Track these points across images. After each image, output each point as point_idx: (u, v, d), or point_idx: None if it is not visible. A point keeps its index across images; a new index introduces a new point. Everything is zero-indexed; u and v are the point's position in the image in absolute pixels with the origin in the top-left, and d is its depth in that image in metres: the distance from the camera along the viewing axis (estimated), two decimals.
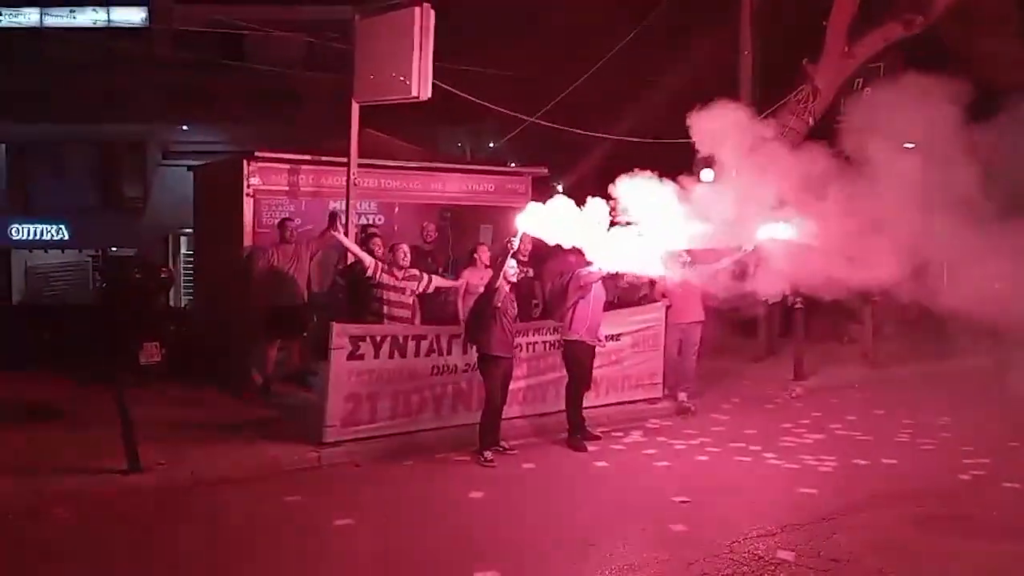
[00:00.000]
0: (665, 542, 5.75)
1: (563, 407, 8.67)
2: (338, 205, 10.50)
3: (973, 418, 9.35)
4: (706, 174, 8.53)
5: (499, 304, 7.81)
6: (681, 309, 9.80)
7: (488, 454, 7.79)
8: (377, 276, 8.63)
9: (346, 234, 9.29)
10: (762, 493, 6.98)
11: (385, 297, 8.63)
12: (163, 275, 11.36)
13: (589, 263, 8.18)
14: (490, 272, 8.25)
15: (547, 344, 9.02)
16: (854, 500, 6.61)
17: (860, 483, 7.20)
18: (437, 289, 9.21)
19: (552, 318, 8.95)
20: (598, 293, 8.52)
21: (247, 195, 10.18)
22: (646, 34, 14.45)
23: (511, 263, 8.05)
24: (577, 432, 8.44)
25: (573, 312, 8.43)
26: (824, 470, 7.60)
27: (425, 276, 8.94)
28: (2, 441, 7.66)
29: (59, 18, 21.21)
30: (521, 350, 8.64)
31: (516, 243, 8.04)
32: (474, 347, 8.06)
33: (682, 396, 9.90)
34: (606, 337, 9.54)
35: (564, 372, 8.66)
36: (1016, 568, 5.51)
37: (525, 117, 13.27)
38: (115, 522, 6.14)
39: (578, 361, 8.53)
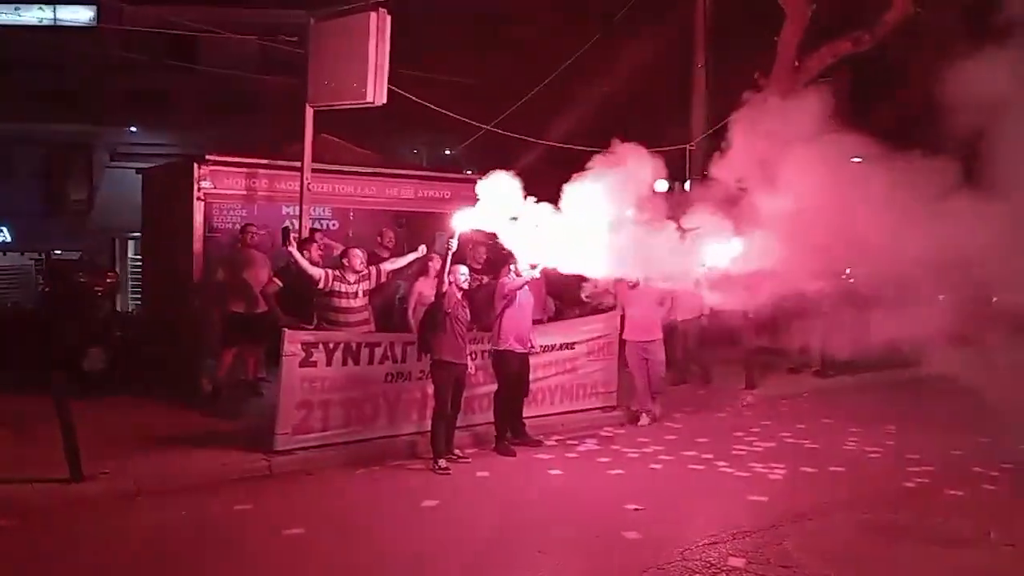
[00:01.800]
0: (618, 549, 5.77)
1: (524, 415, 8.69)
2: (291, 210, 10.38)
3: (918, 426, 9.56)
4: (660, 184, 8.65)
5: (449, 310, 7.80)
6: (640, 327, 9.66)
7: (442, 462, 7.73)
8: (328, 285, 8.47)
9: (287, 236, 9.11)
10: (713, 500, 7.05)
11: (338, 304, 8.51)
12: (109, 279, 11.13)
13: (515, 271, 8.31)
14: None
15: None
16: (803, 507, 6.71)
17: (809, 490, 7.31)
18: (389, 277, 9.11)
19: (481, 327, 8.80)
20: (524, 300, 8.53)
21: (197, 199, 10.02)
22: (603, 43, 14.57)
23: (462, 269, 8.05)
24: (503, 439, 8.44)
25: (500, 321, 8.44)
26: (774, 478, 7.70)
27: (372, 270, 8.77)
28: None
29: (3, 15, 20.66)
30: (477, 358, 8.61)
31: (454, 245, 7.93)
32: (427, 354, 8.02)
33: (644, 420, 9.64)
34: (560, 346, 9.60)
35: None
36: (960, 575, 5.64)
37: (481, 124, 13.27)
38: (57, 532, 5.96)
39: (508, 370, 8.53)
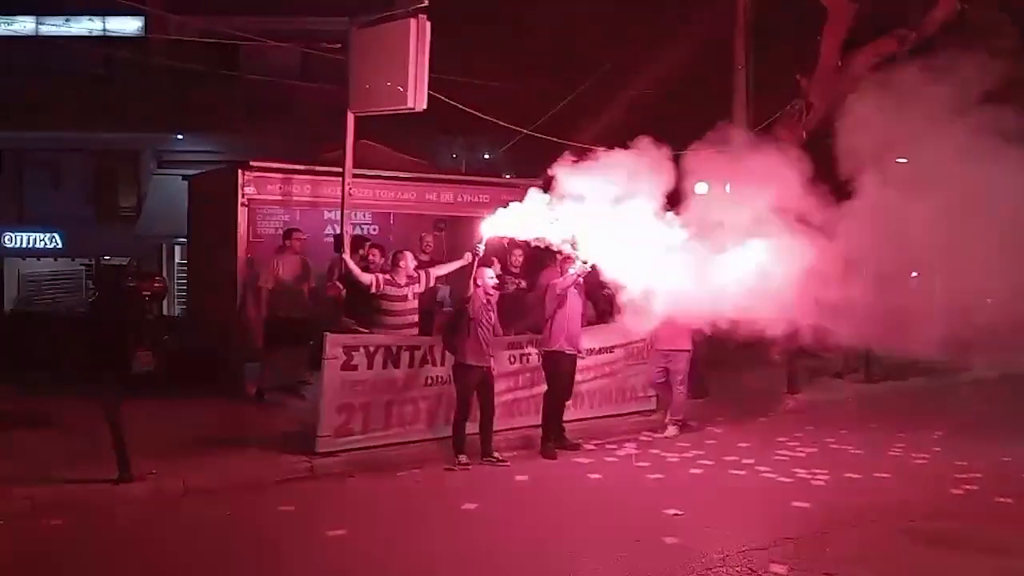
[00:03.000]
0: (658, 555, 5.73)
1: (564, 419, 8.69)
2: (332, 215, 10.51)
3: (967, 432, 9.36)
4: (700, 187, 8.56)
5: (473, 315, 7.85)
6: (665, 335, 9.29)
7: (463, 457, 7.86)
8: (380, 289, 8.56)
9: (341, 243, 9.27)
10: (755, 506, 6.98)
11: (389, 308, 8.57)
12: (156, 284, 11.31)
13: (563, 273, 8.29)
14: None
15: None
16: (847, 514, 6.61)
17: (853, 497, 7.20)
18: (437, 281, 9.22)
19: (531, 330, 8.86)
20: (574, 302, 8.52)
21: (242, 204, 10.21)
22: (643, 45, 14.51)
23: (488, 272, 8.09)
24: (550, 441, 8.45)
25: (552, 322, 8.45)
26: (817, 483, 7.61)
27: (422, 273, 8.87)
28: None
29: (55, 27, 21.20)
30: (516, 361, 8.66)
31: (482, 249, 8.01)
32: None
33: (671, 431, 9.38)
34: (600, 349, 9.57)
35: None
36: None
37: (519, 128, 13.30)
38: (106, 530, 6.11)
39: (559, 372, 8.53)
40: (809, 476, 7.79)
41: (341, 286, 9.18)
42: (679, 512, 6.62)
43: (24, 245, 22.58)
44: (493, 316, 8.12)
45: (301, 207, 10.91)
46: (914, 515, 6.68)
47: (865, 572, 5.45)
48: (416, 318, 8.82)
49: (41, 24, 21.21)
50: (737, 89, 13.71)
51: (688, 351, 9.46)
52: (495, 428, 8.21)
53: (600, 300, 9.96)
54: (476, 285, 7.99)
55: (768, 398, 11.35)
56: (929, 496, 7.27)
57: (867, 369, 12.43)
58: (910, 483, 7.69)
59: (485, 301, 8.04)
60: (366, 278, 8.61)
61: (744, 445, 8.89)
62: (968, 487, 7.48)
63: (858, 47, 13.48)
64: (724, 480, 7.76)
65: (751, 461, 8.26)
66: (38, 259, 22.90)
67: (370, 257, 9.37)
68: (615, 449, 8.77)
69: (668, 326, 9.15)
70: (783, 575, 5.35)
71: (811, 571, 5.42)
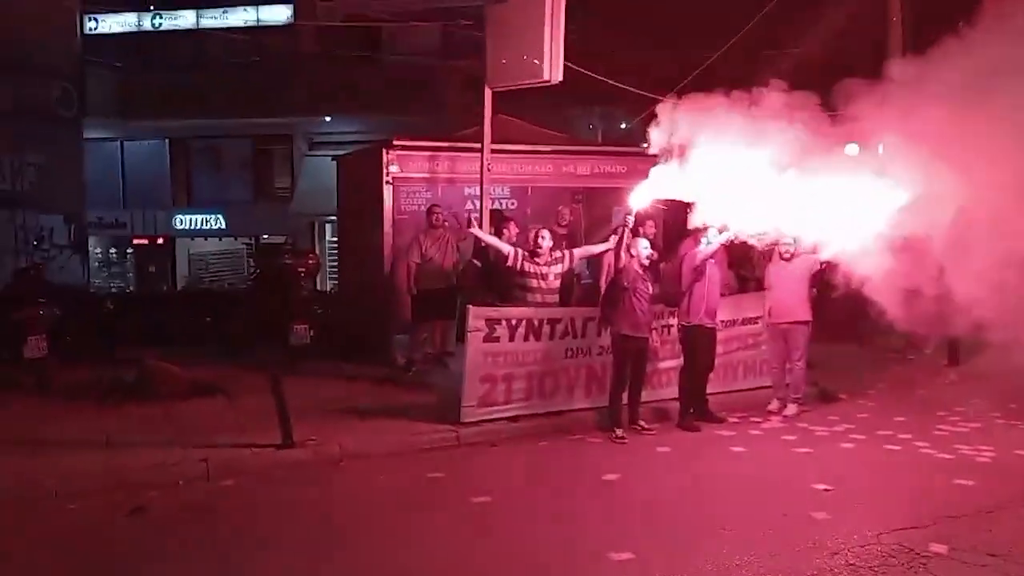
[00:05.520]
0: (807, 530, 5.57)
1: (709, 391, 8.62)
2: (472, 191, 10.73)
3: None
4: (851, 148, 8.13)
5: (627, 284, 7.84)
6: (781, 308, 8.75)
7: (620, 431, 7.90)
8: (518, 264, 8.57)
9: (480, 219, 9.47)
10: (913, 483, 6.65)
11: (529, 284, 8.58)
12: (311, 260, 11.96)
13: (700, 243, 8.08)
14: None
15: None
16: (1015, 493, 6.21)
17: (1021, 475, 6.75)
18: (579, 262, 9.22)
19: (666, 303, 8.64)
20: (713, 273, 8.31)
21: (387, 182, 10.59)
22: (789, 5, 13.86)
23: (643, 243, 8.06)
24: (688, 414, 8.36)
25: (690, 296, 8.29)
26: (982, 460, 7.17)
27: (567, 253, 8.80)
28: (169, 415, 8.33)
29: (213, 19, 22.51)
30: (661, 333, 8.64)
31: (631, 221, 7.96)
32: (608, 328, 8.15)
33: (791, 409, 8.77)
34: (743, 320, 9.35)
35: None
36: None
37: (657, 96, 13.05)
38: (272, 492, 6.54)
39: (699, 346, 8.39)
40: (973, 452, 7.35)
41: (477, 263, 9.38)
42: (829, 487, 6.41)
43: (192, 226, 24.31)
44: (649, 287, 8.08)
45: (442, 183, 11.18)
46: None
47: None
48: (557, 298, 8.82)
49: (201, 17, 22.58)
50: (892, 43, 12.89)
51: (808, 322, 8.75)
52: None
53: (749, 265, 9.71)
54: (630, 256, 7.98)
55: (926, 370, 10.76)
56: None
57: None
58: None
59: (641, 271, 8.00)
60: (506, 248, 8.69)
61: (900, 419, 8.48)
62: None
63: None
64: (878, 455, 7.44)
65: (908, 436, 7.88)
66: (204, 239, 24.62)
67: (504, 232, 9.46)
68: (760, 422, 8.57)
69: (783, 294, 8.72)
70: (944, 554, 5.09)
71: (974, 552, 5.12)
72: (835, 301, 9.29)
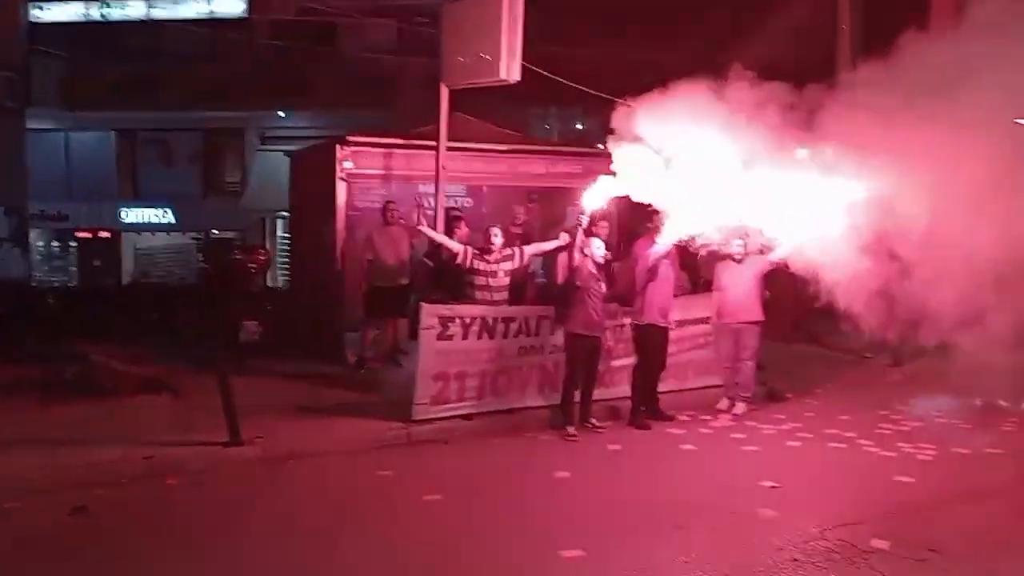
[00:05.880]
0: (754, 526, 5.66)
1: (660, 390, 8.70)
2: (427, 189, 10.67)
3: None
4: (800, 152, 8.27)
5: (580, 283, 7.90)
6: (733, 308, 8.83)
7: (571, 429, 7.93)
8: (467, 262, 8.55)
9: (435, 217, 9.41)
10: (856, 480, 6.79)
11: (477, 282, 8.56)
12: (261, 256, 11.79)
13: (654, 243, 8.16)
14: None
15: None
16: (955, 490, 6.38)
17: (962, 473, 6.93)
18: (531, 259, 9.20)
19: (620, 302, 8.67)
20: (666, 273, 8.42)
21: (340, 179, 10.47)
22: (742, 10, 14.09)
23: (596, 243, 8.09)
24: (639, 412, 8.43)
25: (644, 294, 8.38)
26: (923, 458, 7.34)
27: (517, 251, 8.78)
28: (113, 413, 8.12)
29: (164, 10, 22.09)
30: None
31: (585, 221, 8.01)
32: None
33: (740, 407, 8.87)
34: (694, 320, 9.45)
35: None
36: None
37: (612, 98, 13.14)
38: (219, 490, 6.44)
39: (652, 344, 8.47)
40: (914, 450, 7.53)
41: (429, 262, 9.33)
42: (775, 485, 6.51)
43: (139, 220, 23.82)
44: (603, 286, 8.12)
45: (397, 180, 11.11)
46: None
47: (972, 550, 5.23)
48: (507, 295, 8.82)
49: (152, 8, 22.14)
50: (841, 50, 13.15)
51: (759, 323, 8.85)
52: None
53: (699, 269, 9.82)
54: (584, 255, 8.01)
55: (870, 371, 10.99)
56: None
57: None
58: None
59: (594, 271, 8.05)
60: (455, 246, 8.68)
61: (844, 418, 8.65)
62: None
63: None
64: (823, 453, 7.58)
65: (852, 434, 8.03)
66: (152, 233, 24.14)
67: (456, 231, 9.42)
68: (709, 421, 8.67)
69: (737, 295, 8.81)
70: (885, 550, 5.20)
71: (915, 547, 5.24)
72: (787, 301, 9.46)
